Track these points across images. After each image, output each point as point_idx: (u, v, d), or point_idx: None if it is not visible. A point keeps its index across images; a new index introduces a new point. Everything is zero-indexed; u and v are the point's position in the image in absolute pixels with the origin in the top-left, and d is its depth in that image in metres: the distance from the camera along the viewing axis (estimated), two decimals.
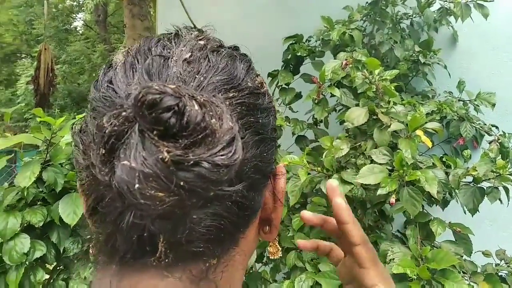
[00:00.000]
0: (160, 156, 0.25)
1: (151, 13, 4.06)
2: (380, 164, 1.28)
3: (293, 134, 1.80)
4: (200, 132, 0.26)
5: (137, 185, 0.25)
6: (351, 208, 0.48)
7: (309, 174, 1.39)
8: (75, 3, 14.16)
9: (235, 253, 0.35)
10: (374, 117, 1.43)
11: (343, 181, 1.32)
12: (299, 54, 1.78)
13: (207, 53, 0.35)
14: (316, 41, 1.89)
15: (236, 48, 0.40)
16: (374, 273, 0.47)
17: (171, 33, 0.38)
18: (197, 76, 0.33)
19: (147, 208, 0.26)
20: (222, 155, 0.27)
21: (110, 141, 0.28)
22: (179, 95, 0.26)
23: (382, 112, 1.39)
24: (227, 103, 0.33)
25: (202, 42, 0.36)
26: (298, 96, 1.86)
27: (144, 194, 0.25)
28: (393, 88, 1.46)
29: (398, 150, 1.26)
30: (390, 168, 1.28)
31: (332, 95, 1.59)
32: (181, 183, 0.26)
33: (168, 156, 0.25)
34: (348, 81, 1.61)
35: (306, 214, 0.55)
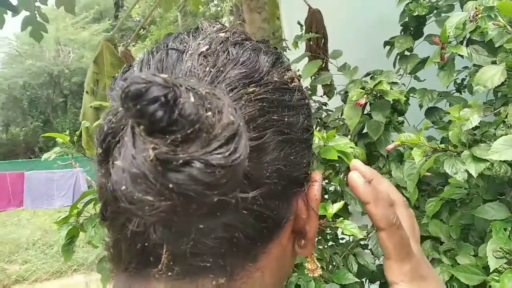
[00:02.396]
0: (145, 154, 0.22)
1: (276, 2, 4.11)
2: None
3: (420, 107, 1.57)
4: (193, 126, 0.22)
5: (123, 187, 0.23)
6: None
7: (437, 151, 1.18)
8: (219, 8, 15.30)
9: (255, 270, 0.31)
10: None
11: (475, 159, 1.08)
12: (416, 13, 1.54)
13: (227, 46, 0.32)
14: None
15: (265, 41, 0.36)
16: (398, 269, 0.37)
17: (193, 28, 0.35)
18: (212, 70, 0.30)
19: (139, 214, 0.23)
20: (218, 154, 0.23)
21: (107, 140, 0.26)
22: (169, 85, 0.22)
23: None
24: (245, 98, 0.29)
25: (223, 35, 0.33)
26: (424, 61, 1.61)
27: (131, 197, 0.22)
28: None
29: None
30: None
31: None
32: (170, 186, 0.22)
33: (153, 154, 0.22)
34: (480, 35, 1.31)
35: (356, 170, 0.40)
